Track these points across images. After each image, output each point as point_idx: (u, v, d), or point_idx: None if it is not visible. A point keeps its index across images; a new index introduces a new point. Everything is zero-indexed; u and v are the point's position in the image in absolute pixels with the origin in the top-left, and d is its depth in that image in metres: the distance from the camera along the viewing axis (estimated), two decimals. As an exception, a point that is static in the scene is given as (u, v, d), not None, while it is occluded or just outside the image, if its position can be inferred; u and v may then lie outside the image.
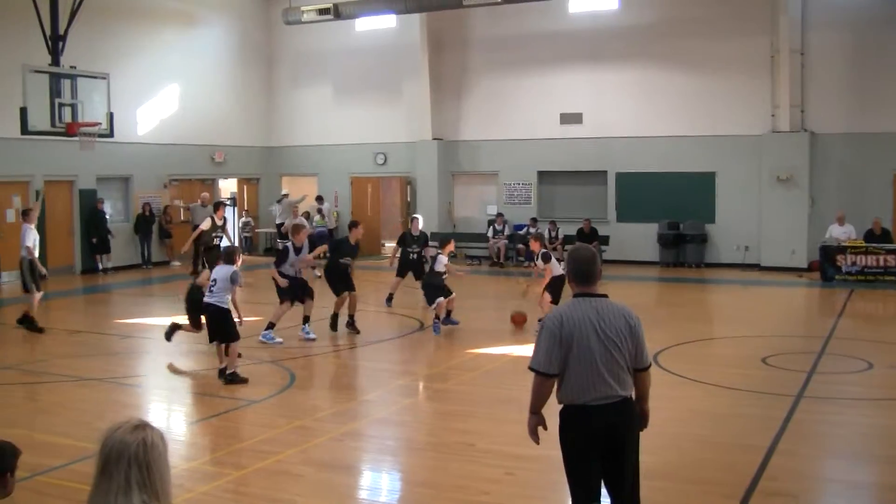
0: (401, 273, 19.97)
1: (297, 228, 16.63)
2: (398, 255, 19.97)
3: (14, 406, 11.62)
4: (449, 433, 10.23)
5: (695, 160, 26.79)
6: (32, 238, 16.53)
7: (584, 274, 5.96)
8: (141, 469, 3.25)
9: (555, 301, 16.61)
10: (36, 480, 8.33)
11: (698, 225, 26.74)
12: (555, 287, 16.56)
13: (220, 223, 22.05)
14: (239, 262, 13.30)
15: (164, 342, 15.05)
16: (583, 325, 5.75)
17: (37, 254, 16.74)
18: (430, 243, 20.27)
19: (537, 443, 6.16)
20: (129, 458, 3.24)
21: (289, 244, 16.26)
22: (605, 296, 5.96)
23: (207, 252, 20.06)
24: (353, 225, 17.73)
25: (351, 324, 16.70)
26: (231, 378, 12.52)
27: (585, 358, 5.73)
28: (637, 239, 27.48)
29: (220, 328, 12.77)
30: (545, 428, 6.09)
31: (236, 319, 12.94)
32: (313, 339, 15.67)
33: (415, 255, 19.87)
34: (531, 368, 5.93)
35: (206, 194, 27.93)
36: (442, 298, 16.58)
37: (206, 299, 12.80)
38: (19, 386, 12.90)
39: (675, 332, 15.89)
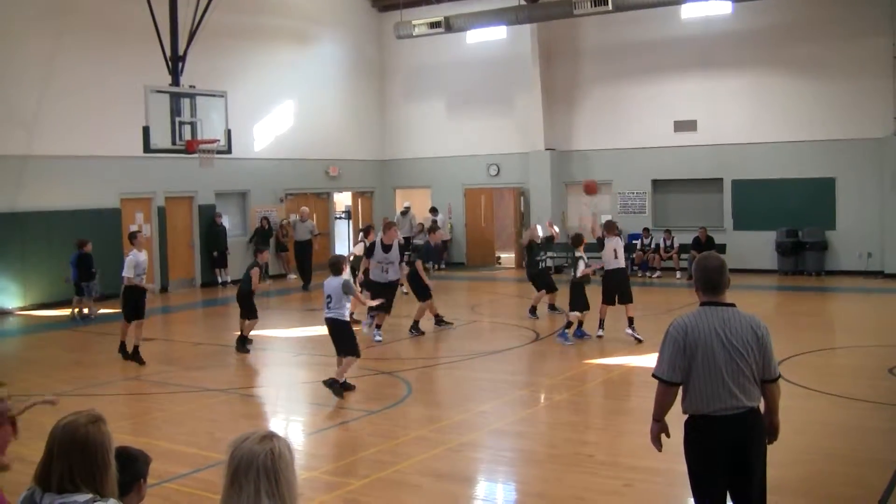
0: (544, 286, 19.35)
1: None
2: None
3: (141, 416, 11.94)
4: (567, 444, 10.17)
5: (813, 165, 26.15)
6: (130, 264, 15.83)
7: (711, 283, 5.89)
8: (270, 479, 3.30)
9: (605, 301, 16.46)
10: (163, 487, 8.56)
11: (818, 232, 26.09)
12: (607, 282, 16.54)
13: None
14: (346, 271, 13.36)
15: (283, 353, 15.30)
16: (707, 334, 5.70)
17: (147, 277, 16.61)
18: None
19: (660, 450, 6.14)
20: (259, 468, 3.30)
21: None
22: (732, 305, 5.89)
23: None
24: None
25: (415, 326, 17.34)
26: (332, 384, 12.49)
27: (710, 367, 5.68)
28: (755, 247, 26.93)
29: (342, 341, 12.86)
30: (668, 436, 6.07)
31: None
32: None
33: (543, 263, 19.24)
34: (655, 376, 5.92)
35: (305, 209, 28.13)
36: (578, 313, 16.36)
37: (325, 314, 12.87)
38: (145, 396, 13.25)
39: (797, 342, 15.52)
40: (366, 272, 17.68)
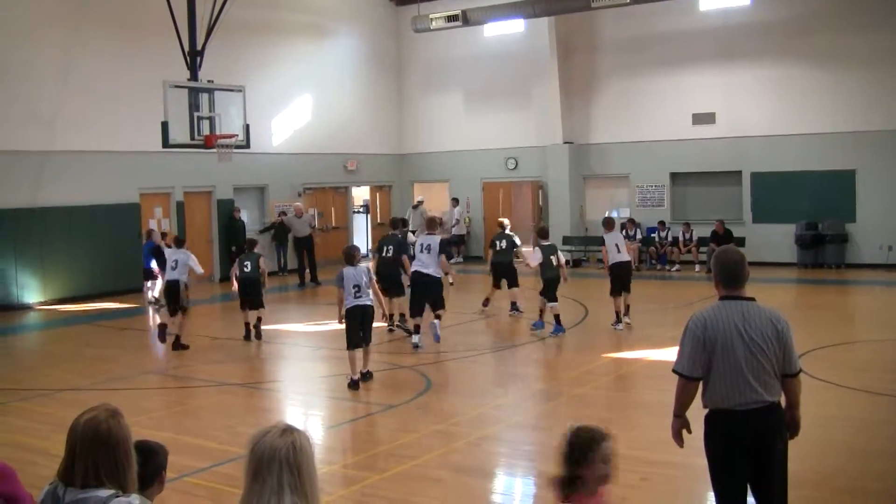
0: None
1: (432, 223, 16.85)
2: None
3: (161, 410, 11.98)
4: (586, 438, 10.13)
5: (833, 157, 25.96)
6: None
7: (731, 276, 5.89)
8: (292, 472, 3.32)
9: (613, 292, 17.15)
10: (183, 481, 8.59)
11: (838, 224, 25.93)
12: (613, 274, 17.14)
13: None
14: (359, 260, 13.46)
15: (300, 347, 15.35)
16: (727, 328, 5.69)
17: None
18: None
19: (681, 446, 6.11)
20: (281, 461, 3.32)
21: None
22: (752, 299, 5.87)
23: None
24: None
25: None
26: (367, 375, 13.11)
27: (730, 362, 5.66)
28: (774, 240, 26.79)
29: (369, 328, 13.14)
30: (689, 431, 6.05)
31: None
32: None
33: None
34: (675, 371, 5.90)
35: (298, 204, 27.77)
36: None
37: (356, 302, 12.91)
38: (165, 390, 13.31)
39: (816, 336, 15.43)
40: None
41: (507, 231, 19.09)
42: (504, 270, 18.99)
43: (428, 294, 15.23)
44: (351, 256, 13.19)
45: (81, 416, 3.79)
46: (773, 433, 5.77)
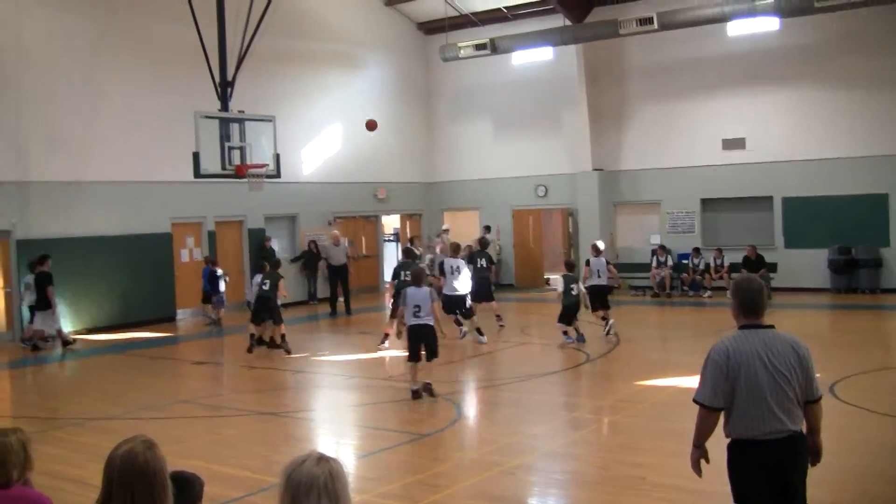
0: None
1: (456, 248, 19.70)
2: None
3: (194, 438, 11.97)
4: (619, 466, 10.05)
5: (865, 181, 25.77)
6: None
7: (751, 305, 5.85)
8: (330, 499, 3.30)
9: (594, 308, 19.06)
10: (216, 512, 8.57)
11: (871, 249, 25.71)
12: (591, 295, 18.82)
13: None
14: (424, 282, 14.15)
15: (332, 376, 15.34)
16: (750, 357, 5.66)
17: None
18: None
19: (700, 476, 6.08)
20: (319, 489, 3.29)
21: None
22: (771, 326, 5.83)
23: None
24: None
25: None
26: (428, 387, 13.73)
27: (754, 391, 5.63)
28: (807, 265, 26.60)
29: (433, 346, 13.77)
30: (707, 461, 6.01)
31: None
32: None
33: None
34: (696, 401, 5.86)
35: (335, 232, 27.79)
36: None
37: (416, 321, 13.67)
38: (198, 419, 13.30)
39: (851, 362, 15.27)
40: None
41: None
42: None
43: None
44: (418, 278, 14.13)
45: (118, 449, 3.79)
46: (797, 462, 5.75)
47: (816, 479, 5.83)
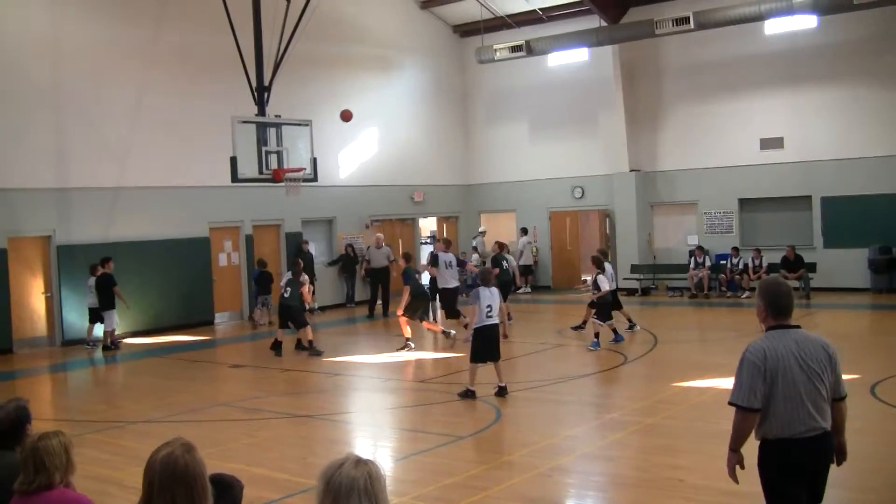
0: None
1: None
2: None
3: (232, 441, 12.05)
4: (657, 468, 10.02)
5: (906, 180, 25.54)
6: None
7: (781, 306, 5.87)
8: (371, 501, 3.30)
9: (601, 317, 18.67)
10: (255, 514, 8.62)
11: (913, 248, 25.46)
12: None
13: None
14: (493, 283, 14.30)
15: (368, 379, 15.41)
16: (786, 357, 5.68)
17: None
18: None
19: (736, 482, 6.08)
20: (360, 491, 3.30)
21: None
22: (798, 326, 5.87)
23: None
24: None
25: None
26: (502, 391, 13.92)
27: (790, 391, 5.66)
28: (846, 265, 26.35)
29: (498, 345, 14.08)
30: (742, 467, 5.99)
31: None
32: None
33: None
34: (732, 403, 5.84)
35: (379, 235, 27.82)
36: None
37: (488, 322, 13.81)
38: (236, 422, 13.39)
39: (892, 363, 15.11)
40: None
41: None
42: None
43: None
44: (487, 278, 14.24)
45: (158, 453, 3.82)
46: (827, 460, 5.84)
47: (862, 484, 5.79)
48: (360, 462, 3.39)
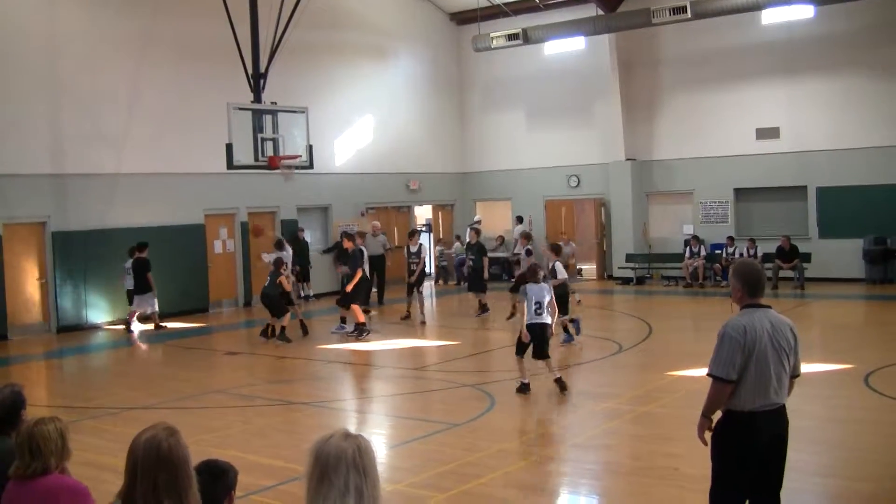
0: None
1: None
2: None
3: (227, 428, 12.08)
4: (652, 457, 10.06)
5: (901, 171, 25.57)
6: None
7: (755, 286, 6.21)
8: (359, 473, 3.30)
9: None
10: (250, 499, 8.65)
11: (908, 239, 25.49)
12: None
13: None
14: (541, 278, 13.79)
15: (363, 366, 15.43)
16: (761, 333, 6.04)
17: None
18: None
19: (706, 444, 6.35)
20: (348, 463, 3.29)
21: None
22: (770, 307, 6.23)
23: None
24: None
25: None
26: (562, 383, 13.28)
27: (761, 366, 6.02)
28: (841, 255, 26.38)
29: (546, 345, 13.40)
30: (710, 430, 6.31)
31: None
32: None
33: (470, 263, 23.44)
34: (711, 374, 6.15)
35: (376, 223, 27.66)
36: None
37: (537, 320, 13.20)
38: (232, 409, 13.41)
39: (887, 353, 15.14)
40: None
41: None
42: None
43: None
44: (535, 274, 13.59)
45: (140, 436, 3.78)
46: (785, 434, 6.18)
47: (856, 473, 5.83)
48: (349, 435, 3.39)
